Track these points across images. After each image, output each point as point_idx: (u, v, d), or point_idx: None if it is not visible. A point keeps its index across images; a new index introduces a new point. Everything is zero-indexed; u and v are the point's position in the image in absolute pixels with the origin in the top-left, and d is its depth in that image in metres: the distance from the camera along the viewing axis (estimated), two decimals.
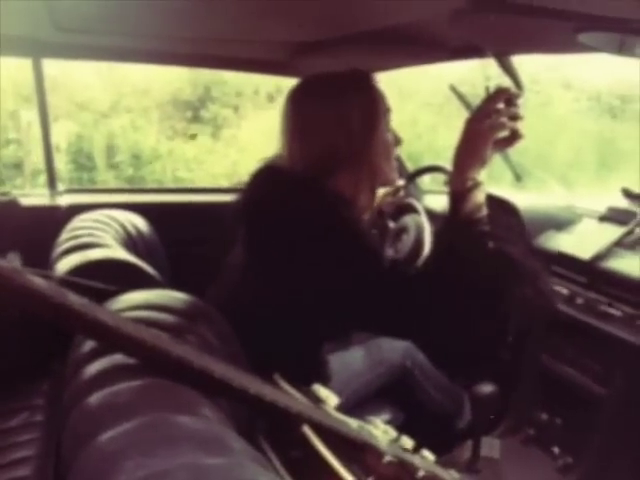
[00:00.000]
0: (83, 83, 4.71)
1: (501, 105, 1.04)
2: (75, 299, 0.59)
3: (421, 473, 0.84)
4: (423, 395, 1.61)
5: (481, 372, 1.77)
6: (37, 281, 0.57)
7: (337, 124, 1.12)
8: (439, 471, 0.91)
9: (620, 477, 1.41)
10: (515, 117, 1.05)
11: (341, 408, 0.91)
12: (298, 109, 1.18)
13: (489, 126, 1.01)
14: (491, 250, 0.98)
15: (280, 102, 1.24)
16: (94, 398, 0.60)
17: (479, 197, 1.02)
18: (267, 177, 1.19)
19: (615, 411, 1.43)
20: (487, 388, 1.61)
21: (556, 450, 1.57)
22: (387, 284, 1.01)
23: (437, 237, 1.14)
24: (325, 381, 1.14)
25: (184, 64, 1.97)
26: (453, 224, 1.04)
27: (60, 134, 4.18)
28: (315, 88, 1.19)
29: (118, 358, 0.66)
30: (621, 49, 0.75)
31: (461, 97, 1.39)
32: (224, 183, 4.83)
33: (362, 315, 1.05)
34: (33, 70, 1.81)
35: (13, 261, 1.66)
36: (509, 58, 1.23)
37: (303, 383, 0.87)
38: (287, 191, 1.11)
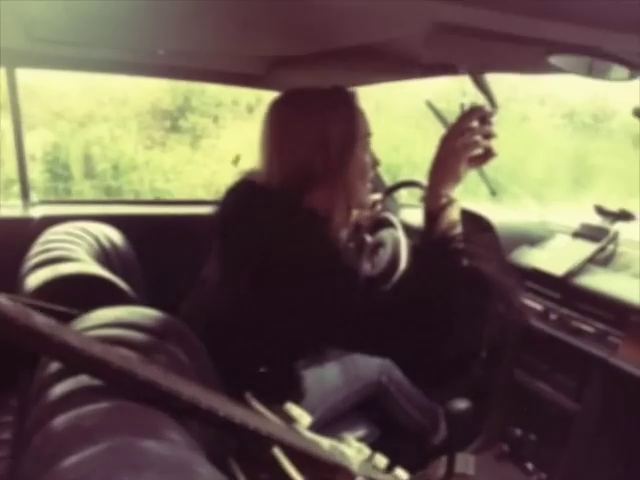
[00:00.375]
0: (60, 92, 4.66)
1: (475, 123, 1.06)
2: (41, 320, 0.58)
3: None
4: (399, 411, 1.61)
5: (456, 388, 1.77)
6: (2, 302, 0.56)
7: (315, 142, 1.12)
8: None
9: None
10: (489, 135, 1.06)
11: (316, 424, 0.91)
12: (277, 124, 1.18)
13: (463, 144, 1.03)
14: (465, 267, 0.99)
15: (260, 113, 1.24)
16: (58, 421, 0.58)
17: (453, 214, 1.03)
18: (243, 192, 1.19)
19: (587, 426, 1.45)
20: (462, 404, 1.62)
21: (530, 466, 1.58)
22: (361, 301, 1.01)
23: (412, 254, 1.15)
24: (299, 398, 1.13)
25: (160, 76, 1.96)
26: (427, 241, 1.05)
27: (36, 143, 4.13)
28: (295, 104, 1.19)
29: (84, 380, 0.64)
30: (590, 72, 0.77)
31: (437, 113, 1.40)
32: (202, 193, 4.81)
33: (336, 332, 1.05)
34: (7, 80, 1.79)
35: None
36: (483, 76, 1.24)
37: (277, 400, 0.86)
38: (263, 206, 1.11)
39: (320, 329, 1.05)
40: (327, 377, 1.51)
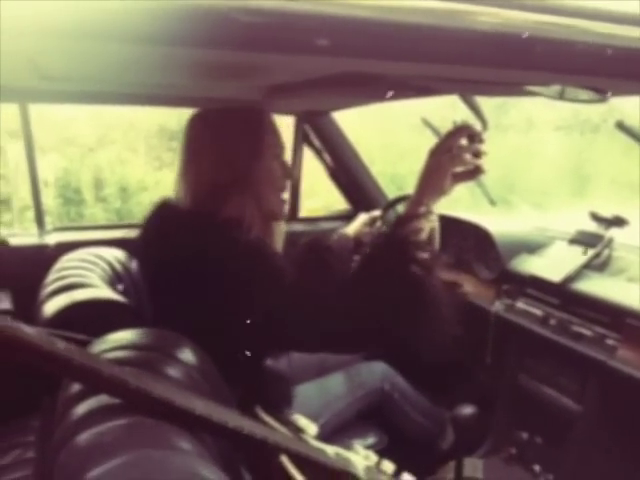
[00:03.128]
0: (69, 117, 4.75)
1: (463, 141, 1.10)
2: (62, 346, 0.64)
3: None
4: (404, 418, 1.66)
5: (461, 394, 1.82)
6: (27, 331, 0.63)
7: (218, 160, 1.16)
8: None
9: None
10: (477, 153, 1.11)
11: (322, 432, 0.96)
12: (183, 145, 1.22)
13: (449, 160, 1.07)
14: (413, 276, 1.01)
15: None
16: (82, 437, 0.64)
17: (423, 224, 1.07)
18: (158, 214, 1.22)
19: (588, 426, 1.49)
20: (468, 410, 1.66)
21: (537, 468, 1.62)
22: (290, 299, 1.04)
23: (369, 247, 1.17)
24: (271, 397, 1.15)
25: (162, 105, 2.03)
26: (386, 239, 1.08)
27: (48, 169, 4.22)
28: (199, 125, 1.23)
29: (103, 399, 0.70)
30: (562, 96, 0.82)
31: (433, 129, 1.45)
32: None
33: (273, 330, 1.06)
34: (20, 115, 1.87)
35: (3, 301, 1.70)
36: (473, 96, 1.29)
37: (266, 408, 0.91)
38: (176, 227, 1.14)
39: (259, 327, 1.05)
40: (331, 385, 1.56)
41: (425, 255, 1.04)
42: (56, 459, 0.67)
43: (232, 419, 0.72)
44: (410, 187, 2.26)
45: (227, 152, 1.15)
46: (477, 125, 1.26)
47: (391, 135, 5.27)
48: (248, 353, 1.14)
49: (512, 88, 0.95)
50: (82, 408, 0.71)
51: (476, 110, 1.25)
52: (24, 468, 1.32)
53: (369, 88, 1.47)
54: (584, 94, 0.80)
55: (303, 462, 0.79)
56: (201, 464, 0.62)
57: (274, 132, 1.23)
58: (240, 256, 1.07)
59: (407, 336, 1.05)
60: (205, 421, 0.69)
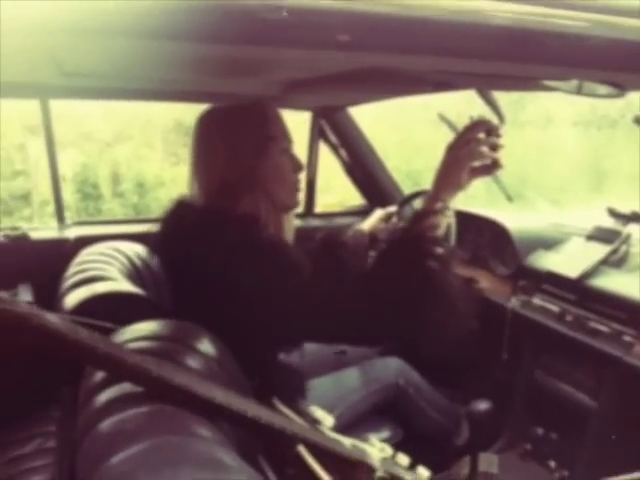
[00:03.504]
0: (87, 113, 4.80)
1: (481, 135, 1.11)
2: (86, 334, 0.65)
3: None
4: (419, 413, 1.66)
5: (476, 390, 1.82)
6: (52, 319, 0.64)
7: (226, 157, 1.17)
8: None
9: None
10: (495, 147, 1.11)
11: (337, 424, 0.96)
12: (193, 144, 1.24)
13: (466, 154, 1.07)
14: (429, 270, 1.00)
15: None
16: (105, 424, 0.66)
17: (440, 220, 1.07)
18: (174, 212, 1.22)
19: (604, 423, 1.48)
20: (483, 405, 1.66)
21: (552, 464, 1.62)
22: (310, 291, 1.04)
23: (386, 243, 1.17)
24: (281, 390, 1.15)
25: (180, 101, 2.05)
26: (402, 235, 1.09)
27: (66, 164, 4.28)
28: (206, 123, 1.24)
29: (126, 387, 0.72)
30: (580, 91, 0.82)
31: (450, 124, 1.45)
32: None
33: (296, 324, 1.07)
34: (41, 110, 1.89)
35: (24, 293, 1.73)
36: (490, 91, 1.29)
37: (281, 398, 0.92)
38: (192, 225, 1.15)
39: (275, 321, 1.07)
40: (346, 379, 1.57)
41: (441, 250, 1.03)
42: (79, 445, 0.69)
43: (251, 408, 0.73)
44: (426, 183, 2.27)
45: (234, 150, 1.17)
46: (494, 120, 1.26)
47: (407, 131, 5.25)
48: (264, 346, 1.16)
49: (529, 82, 0.95)
50: (105, 396, 0.72)
51: (493, 105, 1.25)
52: (45, 457, 1.35)
53: (386, 83, 1.48)
54: (602, 89, 0.80)
55: (320, 452, 0.80)
56: (221, 450, 0.63)
57: (279, 126, 1.24)
58: (257, 251, 1.08)
59: (422, 330, 1.05)
60: (224, 410, 0.70)
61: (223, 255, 1.07)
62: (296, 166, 1.25)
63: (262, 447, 0.87)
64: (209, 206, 1.18)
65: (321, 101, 2.06)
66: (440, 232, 1.07)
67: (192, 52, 1.04)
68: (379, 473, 0.85)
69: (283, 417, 0.85)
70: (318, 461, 0.78)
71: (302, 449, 0.78)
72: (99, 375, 0.79)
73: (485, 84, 1.16)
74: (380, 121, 4.52)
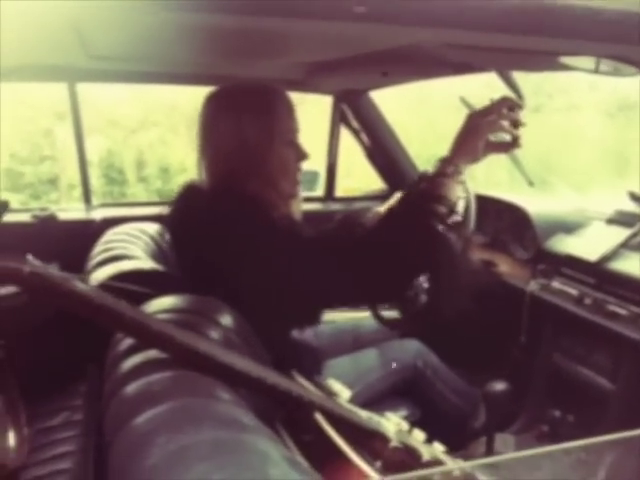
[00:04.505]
0: (113, 99, 4.85)
1: (504, 110, 1.11)
2: (114, 301, 0.69)
3: (426, 457, 0.92)
4: (436, 395, 1.68)
5: (495, 373, 1.83)
6: (81, 286, 0.68)
7: (232, 141, 1.17)
8: (444, 458, 0.98)
9: None
10: (516, 123, 1.11)
11: (354, 402, 0.99)
12: (200, 126, 1.23)
13: (487, 122, 1.09)
14: (429, 227, 1.04)
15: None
16: (131, 387, 0.69)
17: (449, 182, 1.08)
18: (184, 196, 1.24)
19: (622, 405, 1.49)
20: (500, 386, 1.66)
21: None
22: (322, 260, 1.07)
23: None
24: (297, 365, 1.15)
25: (206, 84, 2.07)
26: (409, 190, 1.12)
27: (92, 150, 4.35)
28: (214, 105, 1.23)
29: (152, 353, 0.74)
30: (597, 70, 0.83)
31: (471, 108, 1.46)
32: None
33: (312, 293, 1.09)
34: (69, 94, 1.94)
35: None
36: (510, 72, 1.30)
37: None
38: (200, 208, 1.16)
39: (296, 295, 1.09)
40: (365, 359, 1.60)
41: (444, 209, 1.06)
42: (106, 409, 0.72)
43: (270, 376, 0.76)
44: None
45: (239, 136, 1.16)
46: None
47: (429, 116, 5.22)
48: (278, 321, 1.17)
49: (547, 61, 0.95)
50: (130, 362, 0.76)
51: (513, 86, 1.26)
52: (72, 429, 1.39)
53: (406, 66, 1.49)
54: (618, 67, 0.80)
55: (336, 421, 0.83)
56: (240, 412, 0.66)
57: (288, 116, 1.22)
58: (268, 229, 1.10)
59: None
60: (244, 376, 0.73)
61: (235, 234, 1.09)
62: (300, 156, 1.25)
63: (280, 414, 0.89)
64: (216, 189, 1.19)
65: (342, 84, 2.07)
66: (448, 193, 1.08)
67: (217, 27, 1.06)
68: (393, 443, 0.87)
69: (301, 386, 0.88)
70: (334, 429, 0.81)
71: (319, 417, 0.81)
72: (125, 343, 0.82)
73: (504, 64, 1.17)
74: (404, 107, 4.50)
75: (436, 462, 0.93)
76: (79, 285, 0.67)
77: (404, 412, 1.60)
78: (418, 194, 1.08)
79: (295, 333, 1.26)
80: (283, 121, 1.21)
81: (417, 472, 0.79)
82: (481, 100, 1.37)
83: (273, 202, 1.19)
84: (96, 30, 1.29)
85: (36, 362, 1.34)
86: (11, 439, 1.16)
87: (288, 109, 1.22)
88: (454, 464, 0.98)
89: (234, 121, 1.18)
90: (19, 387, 1.22)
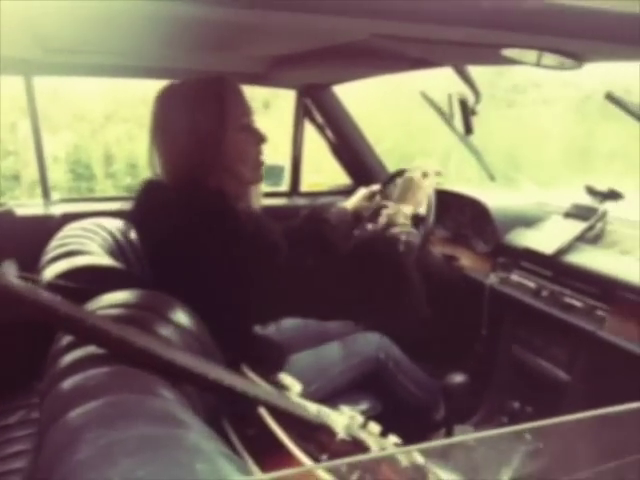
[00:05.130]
0: (81, 94, 4.78)
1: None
2: (47, 296, 0.68)
3: (374, 449, 0.92)
4: (398, 387, 1.69)
5: (456, 365, 1.84)
6: (16, 283, 0.66)
7: (185, 134, 1.17)
8: (395, 450, 0.98)
9: None
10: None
11: (315, 397, 0.99)
12: (153, 122, 1.22)
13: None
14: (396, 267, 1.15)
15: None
16: (67, 383, 0.68)
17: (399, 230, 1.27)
18: (147, 192, 1.23)
19: (578, 396, 1.51)
20: (459, 378, 1.68)
21: (528, 437, 1.65)
22: (289, 264, 1.09)
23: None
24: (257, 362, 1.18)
25: (165, 77, 2.05)
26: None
27: (60, 145, 4.28)
28: (165, 100, 1.23)
29: (90, 349, 0.73)
30: (539, 63, 0.84)
31: (431, 103, 1.47)
32: None
33: (272, 297, 1.11)
34: (25, 87, 1.90)
35: (9, 268, 1.75)
36: (465, 67, 1.31)
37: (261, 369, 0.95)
38: (163, 204, 1.16)
39: (251, 294, 1.10)
40: (327, 353, 1.60)
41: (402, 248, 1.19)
42: (41, 405, 0.71)
43: (213, 372, 0.75)
44: None
45: (194, 127, 1.16)
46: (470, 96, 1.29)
47: (402, 113, 5.24)
48: (241, 319, 1.18)
49: (495, 55, 0.96)
50: (70, 357, 0.74)
51: (468, 80, 1.28)
52: (28, 427, 1.38)
53: (367, 60, 1.49)
54: (560, 60, 0.81)
55: (282, 415, 0.83)
56: (177, 408, 0.66)
57: (237, 102, 1.22)
58: (232, 226, 1.09)
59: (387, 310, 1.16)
60: (186, 372, 0.72)
61: (198, 231, 1.09)
62: (258, 139, 1.25)
63: (226, 410, 0.89)
64: (177, 184, 1.18)
65: (306, 79, 2.07)
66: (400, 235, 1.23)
67: (177, 18, 1.05)
68: (340, 436, 0.87)
69: (248, 382, 0.88)
70: (279, 423, 0.81)
71: (263, 411, 0.80)
72: (66, 339, 0.81)
73: (455, 59, 1.18)
74: (374, 104, 4.51)
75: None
76: (14, 282, 0.66)
77: (365, 405, 1.61)
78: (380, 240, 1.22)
79: (257, 329, 1.26)
80: (233, 106, 1.20)
81: (356, 457, 0.79)
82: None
83: (235, 192, 1.19)
84: (50, 23, 1.27)
85: None
86: None
87: (236, 94, 1.22)
88: (401, 454, 0.98)
89: (185, 115, 1.17)
90: None
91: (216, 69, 1.90)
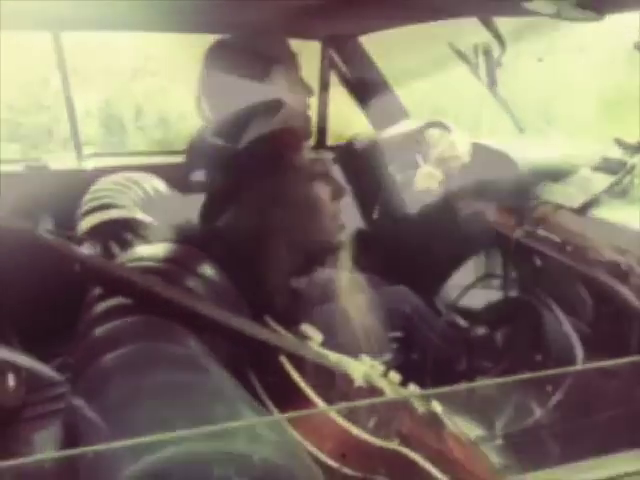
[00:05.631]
0: (114, 48, 4.79)
1: None
2: (77, 250, 0.72)
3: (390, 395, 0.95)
4: (422, 339, 1.72)
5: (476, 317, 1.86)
6: (47, 236, 0.70)
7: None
8: (410, 393, 1.02)
9: None
10: None
11: (339, 347, 1.02)
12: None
13: None
14: None
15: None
16: (96, 332, 0.73)
17: None
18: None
19: (597, 348, 1.53)
20: (481, 330, 1.70)
21: (549, 388, 1.67)
22: None
23: None
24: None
25: (192, 31, 2.04)
26: None
27: (92, 100, 4.32)
28: (219, 54, 1.32)
29: (120, 299, 0.77)
30: (559, 14, 0.83)
31: (460, 53, 1.46)
32: None
33: None
34: (53, 43, 1.92)
35: (45, 222, 1.81)
36: (490, 17, 1.29)
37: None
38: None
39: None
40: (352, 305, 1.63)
41: None
42: (75, 351, 0.76)
43: (236, 321, 0.79)
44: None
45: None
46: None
47: (432, 66, 5.11)
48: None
49: (517, 6, 0.94)
50: (99, 308, 0.79)
51: (493, 29, 1.26)
52: (66, 372, 1.46)
53: (391, 10, 1.47)
54: (580, 12, 0.80)
55: (303, 364, 0.86)
56: (200, 356, 0.69)
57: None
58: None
59: None
60: (209, 321, 0.76)
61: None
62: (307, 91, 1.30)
63: (249, 359, 0.93)
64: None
65: (329, 30, 2.04)
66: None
67: None
68: (358, 383, 0.91)
69: (270, 331, 0.91)
70: (298, 370, 0.84)
71: (284, 359, 0.84)
72: (98, 290, 0.85)
73: (478, 9, 1.17)
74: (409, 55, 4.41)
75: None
76: (49, 238, 0.70)
77: (388, 357, 1.65)
78: None
79: (292, 281, 1.30)
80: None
81: (371, 399, 0.82)
82: None
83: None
84: None
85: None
86: (10, 380, 1.21)
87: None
88: (416, 399, 1.01)
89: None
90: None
91: (237, 20, 1.89)
